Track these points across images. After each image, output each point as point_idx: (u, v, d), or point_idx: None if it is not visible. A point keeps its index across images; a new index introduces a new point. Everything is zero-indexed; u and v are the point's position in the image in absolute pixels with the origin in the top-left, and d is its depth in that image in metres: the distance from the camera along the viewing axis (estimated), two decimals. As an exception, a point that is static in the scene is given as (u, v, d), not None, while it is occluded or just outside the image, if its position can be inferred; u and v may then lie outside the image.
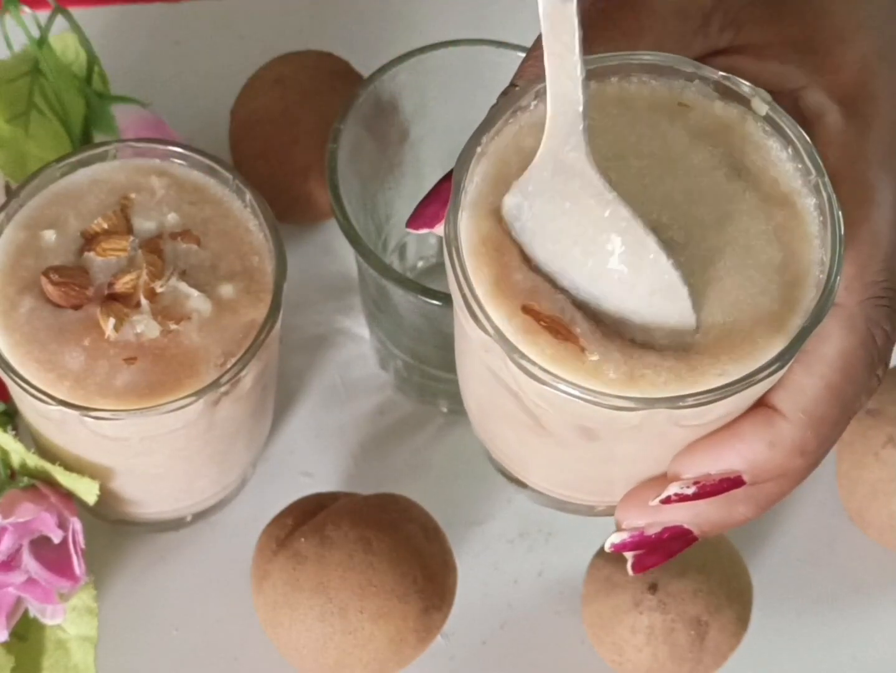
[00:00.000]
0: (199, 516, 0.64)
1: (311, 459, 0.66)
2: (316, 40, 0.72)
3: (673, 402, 0.40)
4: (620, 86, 0.44)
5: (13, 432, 0.58)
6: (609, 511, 0.49)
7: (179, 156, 0.57)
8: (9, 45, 0.66)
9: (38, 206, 0.56)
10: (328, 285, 0.70)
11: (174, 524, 0.64)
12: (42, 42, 0.66)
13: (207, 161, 0.57)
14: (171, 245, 0.55)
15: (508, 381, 0.42)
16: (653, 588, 0.58)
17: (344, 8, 0.77)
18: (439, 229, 0.45)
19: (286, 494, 0.61)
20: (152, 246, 0.55)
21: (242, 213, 0.57)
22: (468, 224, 0.42)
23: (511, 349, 0.41)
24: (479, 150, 0.43)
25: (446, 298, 0.58)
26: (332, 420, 0.67)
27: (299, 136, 0.67)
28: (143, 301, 0.54)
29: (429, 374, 0.65)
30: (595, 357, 0.40)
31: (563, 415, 0.42)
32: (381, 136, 0.63)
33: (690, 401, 0.40)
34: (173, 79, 0.74)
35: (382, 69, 0.62)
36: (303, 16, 0.77)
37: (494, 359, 0.42)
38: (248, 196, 0.57)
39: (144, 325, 0.54)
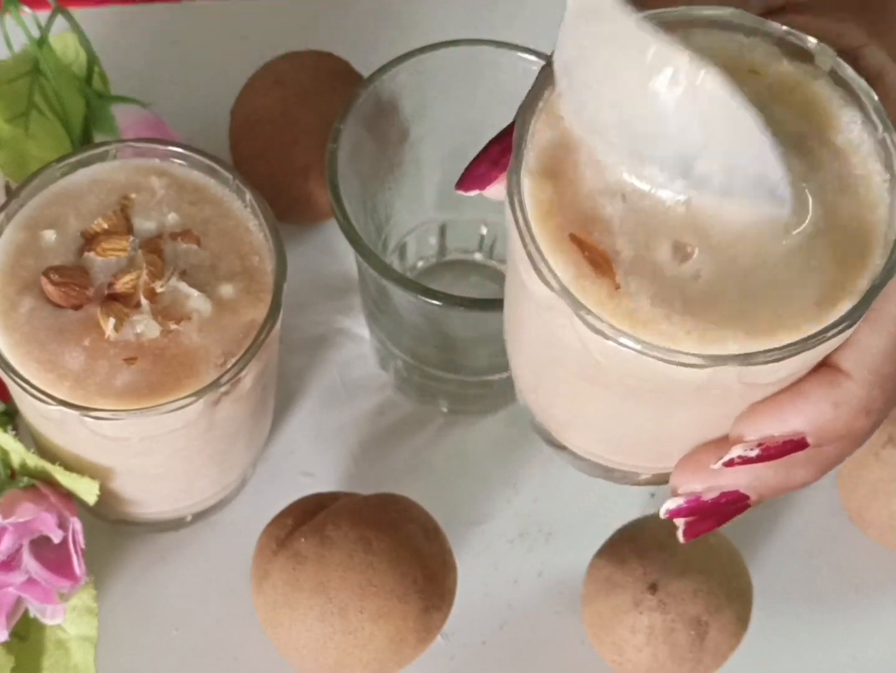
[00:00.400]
0: (199, 516, 0.64)
1: (311, 459, 0.66)
2: (316, 40, 0.72)
3: (743, 359, 0.40)
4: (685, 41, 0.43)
5: (13, 432, 0.58)
6: (654, 480, 0.48)
7: (179, 156, 0.57)
8: (9, 46, 0.67)
9: (38, 206, 0.56)
10: (328, 285, 0.70)
11: (174, 524, 0.64)
12: (42, 42, 0.66)
13: (207, 161, 0.57)
14: (171, 245, 0.55)
15: (570, 338, 0.42)
16: (653, 588, 0.58)
17: (344, 8, 0.77)
18: (490, 191, 0.45)
19: (286, 494, 0.61)
20: (152, 246, 0.55)
21: (242, 213, 0.57)
22: (533, 176, 0.42)
23: (577, 305, 0.40)
24: (540, 104, 0.43)
25: (446, 298, 0.58)
26: (332, 420, 0.67)
27: (299, 136, 0.67)
28: (144, 301, 0.54)
29: (429, 374, 0.65)
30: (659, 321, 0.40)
31: (626, 372, 0.42)
32: (381, 136, 0.63)
33: (761, 358, 0.40)
34: (173, 79, 0.74)
35: (382, 69, 0.62)
36: (303, 16, 0.77)
37: (557, 316, 0.41)
38: (248, 196, 0.57)
39: (144, 326, 0.54)
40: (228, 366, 0.54)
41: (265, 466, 0.66)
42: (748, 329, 0.40)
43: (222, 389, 0.54)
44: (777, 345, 0.40)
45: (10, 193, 0.56)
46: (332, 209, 0.59)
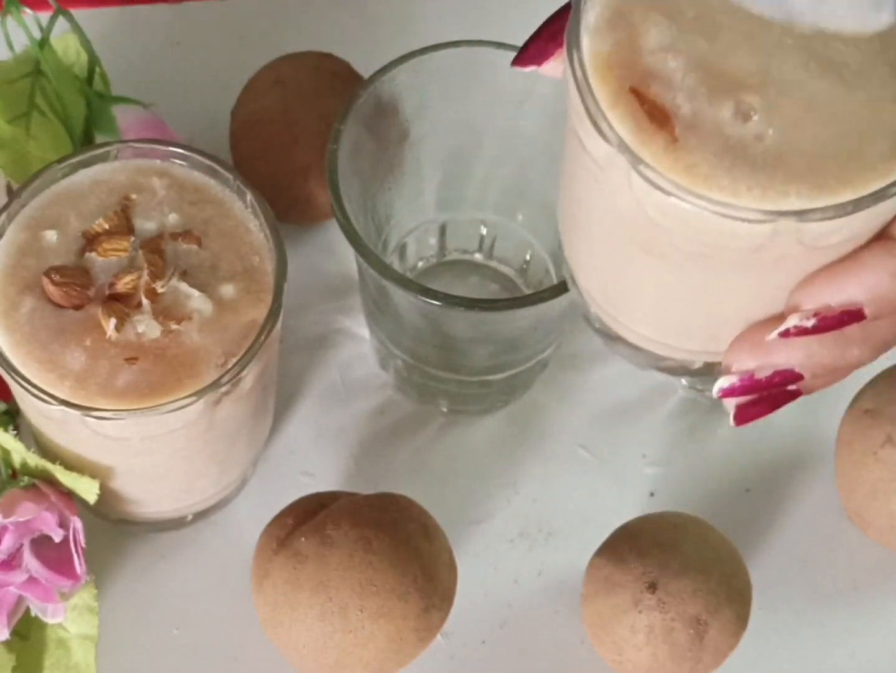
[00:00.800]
0: (200, 516, 0.64)
1: (312, 459, 0.66)
2: (316, 41, 0.72)
3: (803, 215, 0.40)
4: None
5: (14, 432, 0.58)
6: (706, 370, 0.48)
7: (180, 156, 0.58)
8: (10, 46, 0.67)
9: (40, 206, 0.56)
10: (328, 285, 0.70)
11: (175, 524, 0.64)
12: (43, 43, 0.66)
13: (208, 161, 0.57)
14: (171, 245, 0.56)
15: (627, 200, 0.42)
16: (652, 587, 0.58)
17: (344, 8, 0.77)
18: (546, 67, 0.45)
19: (286, 494, 0.61)
20: (153, 246, 0.55)
21: (243, 213, 0.57)
22: (592, 32, 0.42)
23: (635, 160, 0.41)
24: None
25: (446, 298, 0.58)
26: (332, 420, 0.67)
27: (299, 136, 0.67)
28: (144, 301, 0.54)
29: (429, 374, 0.65)
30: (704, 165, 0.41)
31: (683, 234, 0.42)
32: (382, 136, 0.63)
33: (818, 215, 0.40)
34: (174, 79, 0.74)
35: (383, 70, 0.62)
36: (303, 16, 0.77)
37: (614, 176, 0.42)
38: (249, 196, 0.57)
39: (145, 326, 0.54)
40: (229, 366, 0.54)
41: (265, 466, 0.66)
42: (812, 186, 0.40)
43: (223, 389, 0.54)
44: (839, 201, 0.40)
45: (12, 194, 0.56)
46: (333, 209, 0.59)
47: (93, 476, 0.57)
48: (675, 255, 0.43)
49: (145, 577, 0.63)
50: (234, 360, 0.54)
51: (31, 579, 0.57)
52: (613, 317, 0.49)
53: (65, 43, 0.67)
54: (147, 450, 0.56)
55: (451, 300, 0.58)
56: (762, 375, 0.45)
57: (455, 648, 0.63)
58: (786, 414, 0.68)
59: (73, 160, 0.57)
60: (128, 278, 0.54)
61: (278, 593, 0.58)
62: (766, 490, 0.66)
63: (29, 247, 0.55)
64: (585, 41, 0.42)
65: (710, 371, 0.48)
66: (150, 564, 0.64)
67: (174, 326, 0.54)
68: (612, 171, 0.42)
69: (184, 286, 0.55)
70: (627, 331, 0.49)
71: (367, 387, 0.68)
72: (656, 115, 0.41)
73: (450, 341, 0.62)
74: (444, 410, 0.68)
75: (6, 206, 0.56)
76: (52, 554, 0.58)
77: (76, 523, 0.58)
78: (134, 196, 0.57)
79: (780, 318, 0.44)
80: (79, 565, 0.58)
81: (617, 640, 0.59)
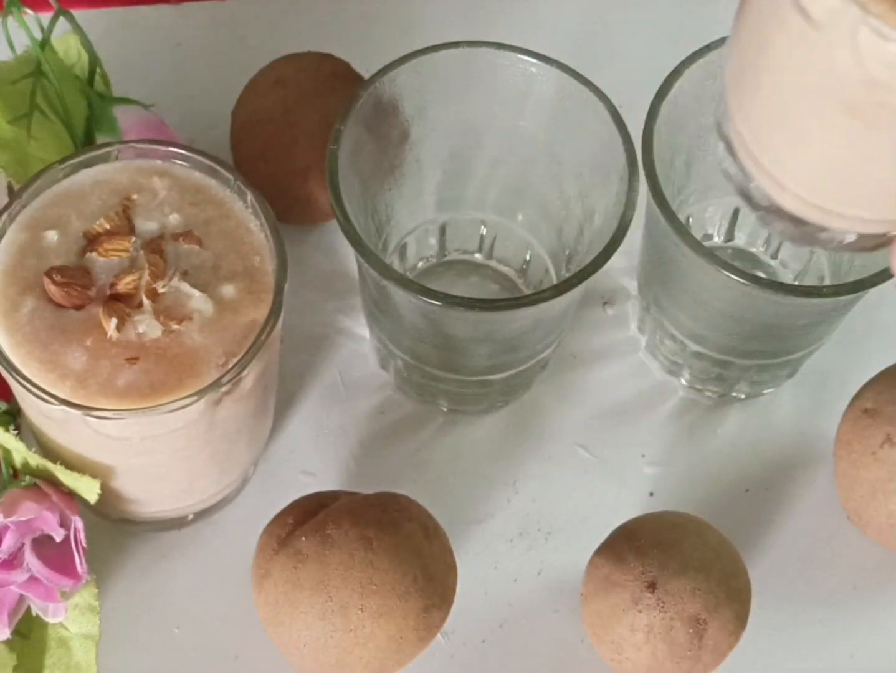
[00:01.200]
0: (201, 515, 0.64)
1: (312, 459, 0.66)
2: (316, 41, 0.72)
3: None
4: None
5: (15, 432, 0.59)
6: (859, 243, 0.49)
7: (181, 157, 0.58)
8: (11, 47, 0.67)
9: (41, 206, 0.56)
10: (328, 285, 0.70)
11: (176, 523, 0.64)
12: (44, 44, 0.66)
13: (209, 162, 0.57)
14: (172, 245, 0.56)
15: (844, 58, 0.43)
16: (651, 587, 0.58)
17: (344, 9, 0.77)
18: None
19: (287, 494, 0.61)
20: (154, 246, 0.55)
21: (244, 213, 0.57)
22: None
23: (866, 12, 0.42)
24: None
25: (446, 298, 0.58)
26: (332, 420, 0.67)
27: (299, 136, 0.67)
28: (145, 301, 0.54)
29: (429, 373, 0.65)
30: None
31: None
32: (382, 137, 0.63)
33: None
34: (175, 80, 0.74)
35: (383, 70, 0.62)
36: (303, 17, 0.77)
37: (833, 33, 0.43)
38: (250, 197, 0.57)
39: (146, 326, 0.54)
40: (230, 366, 0.54)
41: (266, 466, 0.66)
42: None
43: (223, 389, 0.54)
44: None
45: (13, 194, 0.56)
46: (333, 209, 0.59)
47: (94, 476, 0.57)
48: (882, 114, 0.44)
49: (146, 576, 0.63)
50: (235, 360, 0.54)
51: (33, 579, 0.57)
52: (783, 185, 0.49)
53: (66, 43, 0.67)
54: (148, 450, 0.56)
55: (451, 300, 0.58)
56: None
57: (455, 648, 0.63)
58: (786, 414, 0.69)
59: (75, 160, 0.57)
60: (129, 278, 0.54)
61: (279, 593, 0.58)
62: (766, 490, 0.66)
63: (30, 247, 0.55)
64: None
65: (864, 245, 0.49)
66: (151, 563, 0.64)
67: (175, 326, 0.54)
68: (832, 29, 0.43)
69: (185, 286, 0.55)
70: (795, 200, 0.49)
71: (367, 387, 0.68)
72: None
73: (450, 341, 0.62)
74: (444, 409, 0.68)
75: (7, 207, 0.56)
76: (53, 553, 0.58)
77: (77, 523, 0.58)
78: (135, 196, 0.57)
79: None
80: (80, 565, 0.58)
81: (616, 639, 0.59)
